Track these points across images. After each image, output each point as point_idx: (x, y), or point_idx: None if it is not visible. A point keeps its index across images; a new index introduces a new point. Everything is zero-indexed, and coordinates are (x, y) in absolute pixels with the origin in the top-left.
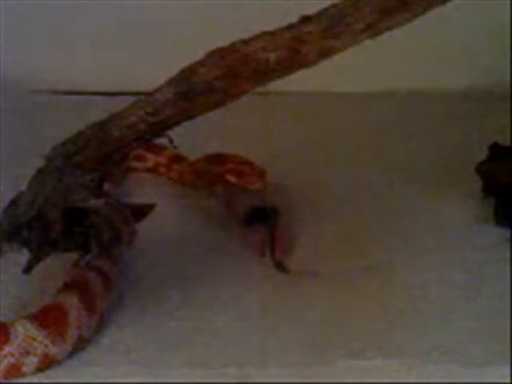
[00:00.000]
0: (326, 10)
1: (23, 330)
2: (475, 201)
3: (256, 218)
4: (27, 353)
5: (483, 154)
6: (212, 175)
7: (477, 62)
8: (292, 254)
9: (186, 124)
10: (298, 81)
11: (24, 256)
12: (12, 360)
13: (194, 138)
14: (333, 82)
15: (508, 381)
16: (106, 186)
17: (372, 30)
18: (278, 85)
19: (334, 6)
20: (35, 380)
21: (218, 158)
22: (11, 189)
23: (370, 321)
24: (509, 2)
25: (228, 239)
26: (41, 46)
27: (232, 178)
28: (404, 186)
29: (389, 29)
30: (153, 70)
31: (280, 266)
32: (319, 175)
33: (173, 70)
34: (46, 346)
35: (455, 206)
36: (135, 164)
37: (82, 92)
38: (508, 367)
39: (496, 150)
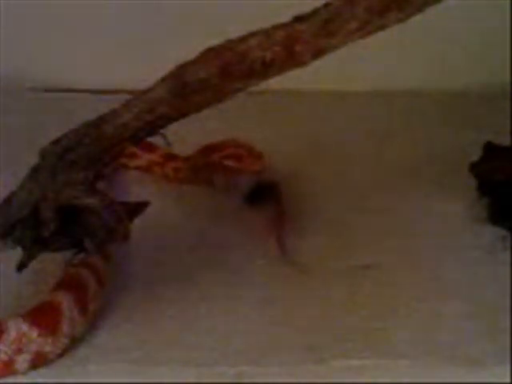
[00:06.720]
0: (319, 8)
1: (16, 328)
2: (470, 200)
3: (259, 196)
4: (20, 351)
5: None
6: (210, 166)
7: (476, 61)
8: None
9: (179, 122)
10: (297, 79)
11: (18, 254)
12: (5, 358)
13: (187, 137)
14: (331, 81)
15: (508, 381)
16: (100, 184)
17: (365, 29)
18: (276, 83)
19: (327, 4)
20: (28, 378)
21: (213, 147)
22: (7, 186)
23: (365, 320)
24: (509, 2)
25: (221, 237)
26: (38, 44)
27: (230, 163)
28: (400, 185)
29: (382, 28)
30: (148, 68)
31: (282, 247)
32: (315, 174)
33: (167, 68)
34: (39, 344)
35: (450, 205)
36: (128, 162)
37: (78, 90)
38: (508, 367)
39: (490, 150)
